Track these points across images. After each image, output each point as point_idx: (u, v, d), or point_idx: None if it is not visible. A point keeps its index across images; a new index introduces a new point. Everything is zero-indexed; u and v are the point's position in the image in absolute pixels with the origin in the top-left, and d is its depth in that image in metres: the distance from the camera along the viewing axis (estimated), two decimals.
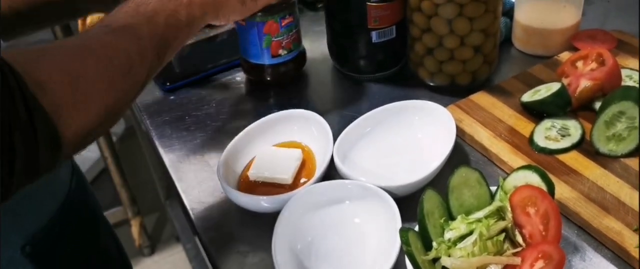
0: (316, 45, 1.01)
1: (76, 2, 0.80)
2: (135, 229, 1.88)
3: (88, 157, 1.99)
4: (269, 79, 0.89)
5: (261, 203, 0.69)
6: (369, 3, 0.84)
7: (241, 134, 0.77)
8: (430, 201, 0.62)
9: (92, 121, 0.52)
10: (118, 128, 2.09)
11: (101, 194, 1.91)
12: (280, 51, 0.86)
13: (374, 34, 0.87)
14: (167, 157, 0.83)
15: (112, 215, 1.86)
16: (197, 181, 0.78)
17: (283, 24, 0.83)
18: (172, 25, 0.65)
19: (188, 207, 0.75)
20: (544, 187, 0.63)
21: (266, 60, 0.87)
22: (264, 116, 0.80)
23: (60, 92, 0.49)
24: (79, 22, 1.14)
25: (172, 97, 0.93)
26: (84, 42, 0.57)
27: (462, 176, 0.64)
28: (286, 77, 0.90)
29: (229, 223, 0.72)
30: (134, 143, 2.01)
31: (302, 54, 0.91)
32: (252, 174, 0.75)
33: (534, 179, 0.64)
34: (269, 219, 0.67)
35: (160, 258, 1.94)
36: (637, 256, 0.61)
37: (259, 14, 0.81)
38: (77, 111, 0.51)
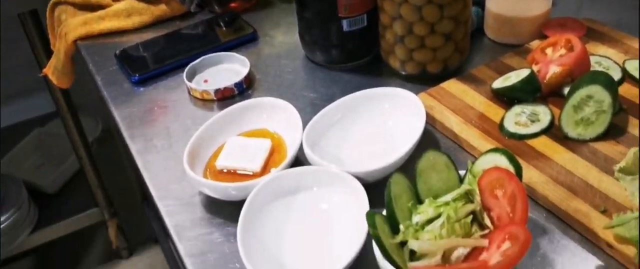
0: (288, 36, 1.00)
1: None
2: (112, 231, 1.85)
3: (63, 157, 1.96)
4: None
5: (229, 190, 0.68)
6: None
7: (208, 122, 0.76)
8: (398, 185, 0.62)
9: None
10: (94, 129, 2.06)
11: (76, 196, 1.88)
12: None
13: (344, 23, 0.86)
14: (135, 148, 0.81)
15: (88, 217, 1.83)
16: (165, 170, 0.77)
17: None
18: None
19: (154, 196, 0.73)
20: (512, 169, 0.62)
21: None
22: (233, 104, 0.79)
23: None
24: (47, 14, 1.12)
25: (140, 89, 0.91)
26: None
27: (430, 159, 0.64)
28: None
29: (196, 212, 0.71)
30: (112, 145, 1.99)
31: None
32: (220, 164, 0.73)
33: (502, 162, 0.63)
34: (239, 208, 0.66)
35: (138, 260, 1.91)
36: (605, 237, 0.61)
37: None
38: None
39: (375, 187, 0.67)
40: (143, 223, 1.99)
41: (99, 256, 1.89)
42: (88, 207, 1.83)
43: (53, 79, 1.11)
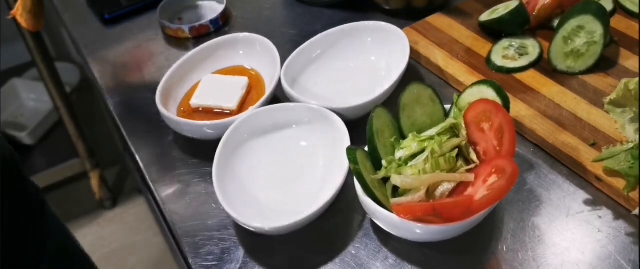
0: None
1: None
2: (94, 182, 1.82)
3: (41, 108, 1.92)
4: None
5: (204, 129, 0.65)
6: None
7: (181, 60, 0.72)
8: (380, 119, 0.59)
9: None
10: (72, 79, 2.01)
11: (57, 146, 1.84)
12: None
13: None
14: (107, 89, 0.78)
15: (68, 168, 1.80)
16: (139, 111, 0.73)
17: None
18: None
19: (127, 137, 0.70)
20: (499, 101, 0.60)
21: None
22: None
23: None
24: None
25: (112, 28, 0.87)
26: None
27: (414, 92, 0.61)
28: None
29: (170, 153, 0.68)
30: (92, 94, 1.94)
31: None
32: (195, 102, 0.70)
33: (489, 94, 0.60)
34: (216, 148, 0.62)
35: (122, 210, 1.89)
36: (593, 171, 0.59)
37: None
38: None
39: (358, 125, 0.65)
40: (125, 173, 1.97)
41: (82, 207, 1.87)
42: (69, 158, 1.80)
43: (21, 21, 1.05)
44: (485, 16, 0.77)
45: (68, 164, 1.79)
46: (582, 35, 0.68)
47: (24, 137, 1.82)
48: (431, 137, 0.58)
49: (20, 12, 1.06)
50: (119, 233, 1.82)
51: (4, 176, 0.70)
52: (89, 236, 1.80)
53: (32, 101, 1.97)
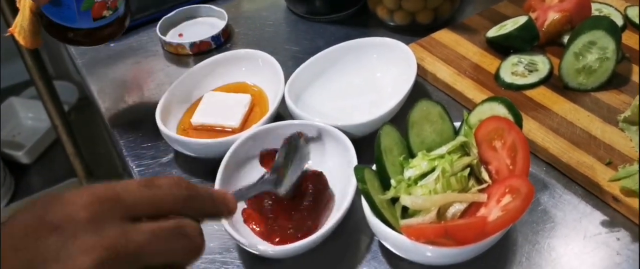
0: None
1: None
2: None
3: (38, 127, 1.90)
4: (84, 41, 0.67)
5: (205, 147, 0.63)
6: None
7: (182, 77, 0.71)
8: (388, 137, 0.57)
9: None
10: (71, 97, 1.99)
11: (54, 166, 1.82)
12: (105, 12, 0.64)
13: None
14: (105, 107, 0.76)
15: (66, 187, 1.77)
16: (138, 129, 0.71)
17: None
18: None
19: (126, 156, 0.68)
20: (511, 119, 0.58)
21: (85, 24, 0.64)
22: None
23: None
24: None
25: (111, 45, 0.85)
26: None
27: (423, 109, 0.59)
28: (106, 40, 0.68)
29: (171, 171, 0.66)
30: (90, 112, 1.92)
31: (126, 14, 0.67)
32: (196, 120, 0.68)
33: (500, 111, 0.58)
34: (218, 166, 0.60)
35: None
36: (610, 191, 0.57)
37: None
38: None
39: (364, 143, 0.62)
40: None
41: None
42: (66, 177, 1.78)
43: (19, 39, 1.03)
44: (492, 32, 0.75)
45: (65, 183, 1.76)
46: (593, 52, 0.67)
47: (21, 157, 1.80)
48: (441, 156, 0.56)
49: (17, 30, 1.04)
50: None
51: None
52: None
53: (29, 119, 1.95)
